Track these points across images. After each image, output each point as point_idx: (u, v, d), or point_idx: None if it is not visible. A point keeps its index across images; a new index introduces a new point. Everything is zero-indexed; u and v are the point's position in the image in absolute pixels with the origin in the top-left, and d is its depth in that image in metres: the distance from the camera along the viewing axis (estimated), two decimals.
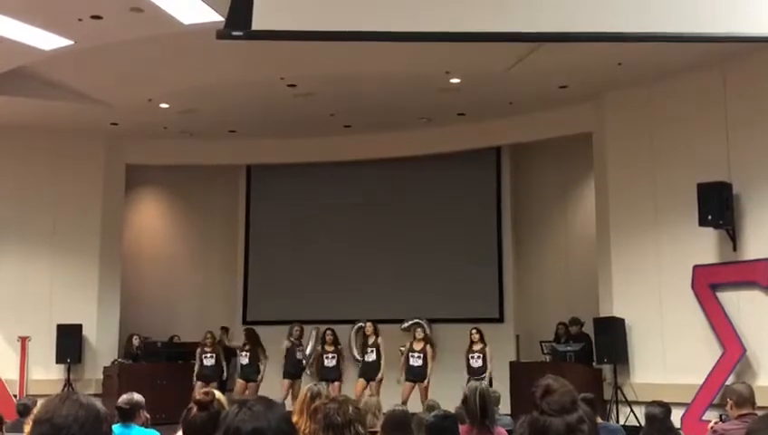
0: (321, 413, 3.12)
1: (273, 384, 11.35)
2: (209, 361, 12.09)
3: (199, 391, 3.48)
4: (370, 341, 11.64)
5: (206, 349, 12.14)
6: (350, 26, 4.47)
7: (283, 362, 11.74)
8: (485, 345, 11.11)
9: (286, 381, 11.51)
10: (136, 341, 13.07)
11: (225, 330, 13.73)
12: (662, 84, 10.61)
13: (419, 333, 11.45)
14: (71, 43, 9.26)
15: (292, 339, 11.82)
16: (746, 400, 5.17)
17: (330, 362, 11.59)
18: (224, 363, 12.22)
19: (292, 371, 11.70)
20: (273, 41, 7.72)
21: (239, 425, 1.99)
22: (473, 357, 11.06)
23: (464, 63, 10.11)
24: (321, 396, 3.79)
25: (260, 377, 11.70)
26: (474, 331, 11.22)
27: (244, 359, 11.91)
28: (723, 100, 10.01)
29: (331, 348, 11.70)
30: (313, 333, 12.68)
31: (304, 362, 12.09)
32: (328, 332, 11.84)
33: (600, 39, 5.32)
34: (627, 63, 9.95)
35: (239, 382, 11.65)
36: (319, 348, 12.04)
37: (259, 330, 12.41)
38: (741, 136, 9.80)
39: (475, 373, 10.78)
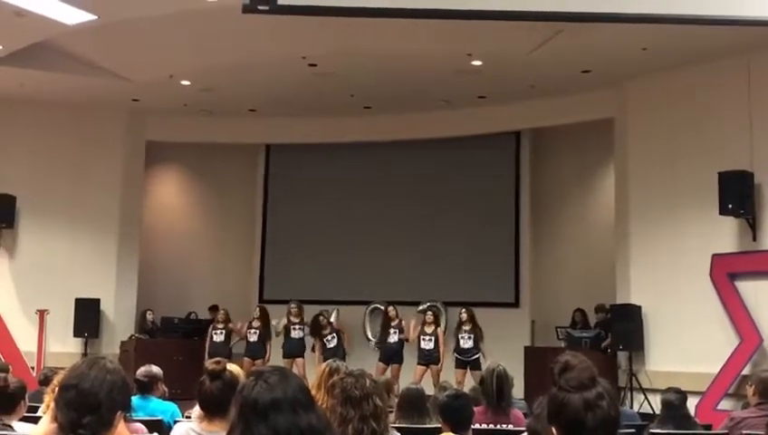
0: (338, 388, 3.13)
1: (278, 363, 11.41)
2: (219, 337, 12.20)
3: (209, 361, 3.49)
4: (393, 322, 11.68)
5: (218, 325, 12.27)
6: (374, 3, 4.45)
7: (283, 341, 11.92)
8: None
9: (287, 361, 11.62)
10: (150, 316, 13.17)
11: None
12: (686, 72, 10.50)
13: (429, 317, 11.47)
14: (94, 17, 9.26)
15: (291, 318, 11.96)
16: None
17: (330, 343, 11.68)
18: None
19: (288, 350, 11.82)
20: (296, 16, 7.70)
21: (256, 397, 2.01)
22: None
23: (486, 46, 10.03)
24: (340, 372, 3.80)
25: (267, 356, 11.82)
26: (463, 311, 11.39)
27: (252, 336, 12.01)
28: (747, 89, 9.90)
29: (327, 330, 11.79)
30: (334, 313, 12.77)
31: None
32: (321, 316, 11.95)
33: (624, 20, 5.26)
34: (651, 49, 9.84)
35: (245, 360, 11.61)
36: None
37: (275, 308, 12.46)
38: (764, 126, 9.70)
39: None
